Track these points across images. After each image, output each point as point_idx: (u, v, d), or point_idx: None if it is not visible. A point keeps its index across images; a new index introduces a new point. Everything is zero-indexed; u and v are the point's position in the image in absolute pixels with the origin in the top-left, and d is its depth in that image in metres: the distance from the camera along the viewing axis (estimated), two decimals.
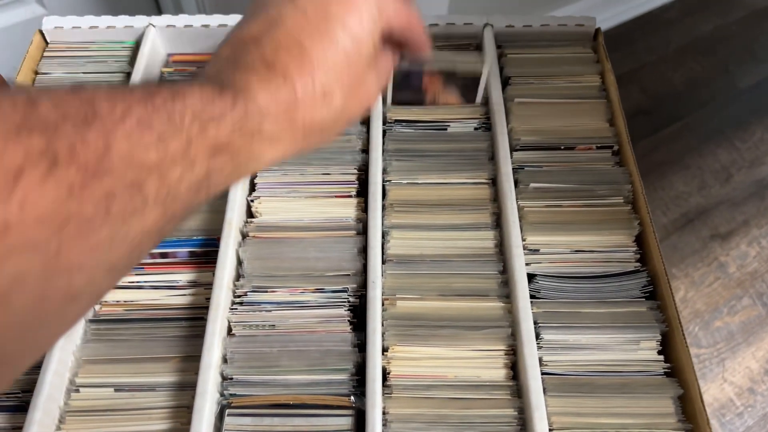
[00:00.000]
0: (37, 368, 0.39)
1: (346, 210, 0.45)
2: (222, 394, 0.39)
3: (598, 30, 0.55)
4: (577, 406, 0.38)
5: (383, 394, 0.38)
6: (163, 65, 0.55)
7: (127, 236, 0.21)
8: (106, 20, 0.55)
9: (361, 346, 0.40)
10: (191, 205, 0.25)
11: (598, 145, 0.48)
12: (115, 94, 0.23)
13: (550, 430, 0.36)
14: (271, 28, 0.30)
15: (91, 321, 0.42)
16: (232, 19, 0.55)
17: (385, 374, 0.39)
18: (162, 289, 0.43)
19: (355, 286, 0.42)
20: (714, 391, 1.06)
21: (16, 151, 0.18)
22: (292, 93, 0.29)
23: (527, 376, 0.38)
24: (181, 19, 0.55)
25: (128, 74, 0.52)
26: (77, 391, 0.39)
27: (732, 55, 1.48)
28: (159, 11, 0.98)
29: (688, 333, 1.09)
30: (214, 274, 0.42)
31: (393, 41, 0.35)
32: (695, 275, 1.17)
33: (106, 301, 0.43)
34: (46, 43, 0.55)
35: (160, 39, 0.55)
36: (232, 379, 0.39)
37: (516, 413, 0.38)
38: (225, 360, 0.39)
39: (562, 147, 0.48)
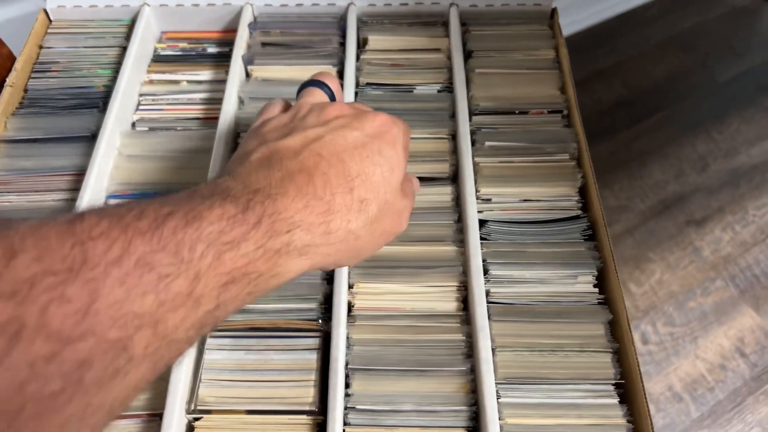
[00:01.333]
0: None
1: None
2: None
3: (554, 9, 0.60)
4: (518, 329, 0.43)
5: (347, 323, 0.43)
6: (157, 41, 0.61)
7: (103, 403, 0.19)
8: (104, 0, 0.60)
9: (329, 281, 0.45)
10: (191, 343, 0.23)
11: (549, 110, 0.53)
12: (114, 227, 0.21)
13: (492, 349, 0.41)
14: (311, 143, 0.31)
15: None
16: (220, 1, 0.60)
17: (350, 307, 0.44)
18: None
19: None
20: (686, 367, 1.10)
21: None
22: (331, 201, 0.29)
23: (474, 304, 0.42)
24: (173, 1, 0.60)
25: (124, 48, 0.57)
26: None
27: (711, 51, 1.53)
28: None
29: (662, 313, 1.14)
30: None
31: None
32: (671, 259, 1.21)
33: None
34: (50, 20, 0.60)
35: (153, 17, 0.60)
36: None
37: (464, 337, 0.42)
38: None
39: (517, 111, 0.53)
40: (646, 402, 0.39)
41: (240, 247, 0.24)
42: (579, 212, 0.48)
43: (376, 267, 0.45)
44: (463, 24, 0.59)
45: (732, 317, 1.15)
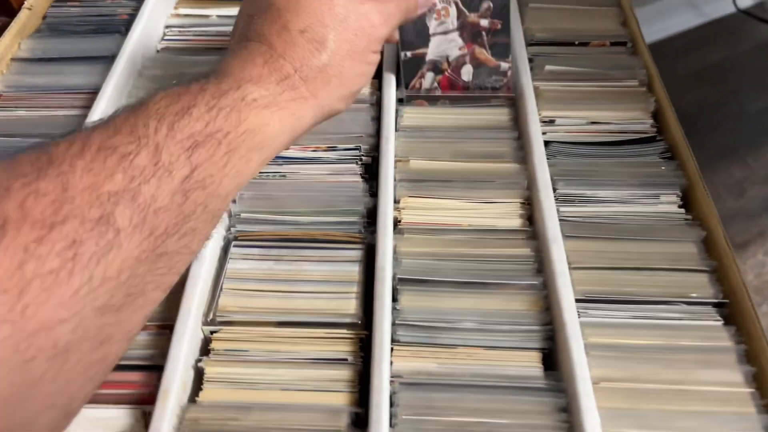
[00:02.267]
0: None
1: None
2: (228, 230, 0.37)
3: None
4: (595, 247, 0.36)
5: (394, 233, 0.36)
6: None
7: (106, 273, 0.21)
8: None
9: (372, 194, 0.39)
10: (190, 212, 0.24)
11: (612, 42, 0.49)
12: (73, 134, 0.23)
13: (569, 266, 0.35)
14: (246, 7, 0.31)
15: None
16: None
17: (396, 223, 0.38)
18: None
19: (367, 147, 0.41)
20: None
21: None
22: (270, 49, 0.28)
23: (544, 218, 0.36)
24: None
25: None
26: None
27: (741, 83, 1.50)
28: None
29: None
30: None
31: None
32: None
33: None
34: None
35: None
36: (239, 216, 0.38)
37: (532, 252, 0.36)
38: (233, 200, 0.38)
39: (577, 43, 0.48)
40: (759, 322, 0.32)
41: (191, 113, 0.24)
42: (655, 134, 0.42)
43: (425, 180, 0.39)
44: None
45: None
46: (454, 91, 0.43)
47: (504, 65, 0.42)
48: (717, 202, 1.23)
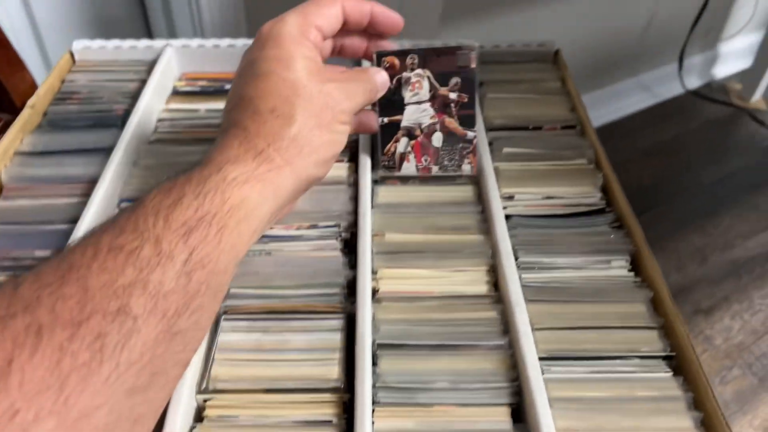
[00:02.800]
0: None
1: (339, 172, 0.50)
2: None
3: (557, 50, 0.63)
4: (555, 309, 0.40)
5: (373, 304, 0.40)
6: (176, 79, 0.63)
7: (130, 358, 0.24)
8: (129, 42, 0.63)
9: (352, 267, 0.42)
10: (195, 291, 0.27)
11: (563, 126, 0.54)
12: (85, 239, 0.26)
13: (532, 328, 0.38)
14: (226, 105, 0.36)
15: None
16: (241, 42, 0.63)
17: (374, 292, 0.41)
18: None
19: (346, 224, 0.45)
20: None
21: (4, 341, 0.22)
22: (244, 132, 0.32)
23: (507, 282, 0.40)
24: (195, 41, 0.63)
25: (145, 81, 0.59)
26: None
27: (694, 157, 1.60)
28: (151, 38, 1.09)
29: None
30: None
31: (360, 32, 0.42)
32: None
33: None
34: (74, 62, 0.62)
35: (175, 57, 0.62)
36: (228, 292, 0.41)
37: (498, 315, 0.40)
38: None
39: (531, 127, 0.54)
40: (703, 372, 0.36)
41: (182, 202, 0.28)
42: (604, 207, 0.47)
43: (400, 252, 0.43)
44: None
45: (755, 406, 1.10)
46: (424, 166, 0.47)
47: (470, 134, 0.47)
48: (681, 270, 1.32)
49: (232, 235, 0.29)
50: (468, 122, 0.47)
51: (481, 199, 0.48)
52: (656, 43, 1.60)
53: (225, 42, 0.63)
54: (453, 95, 0.46)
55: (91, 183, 0.49)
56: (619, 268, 0.43)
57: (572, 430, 0.34)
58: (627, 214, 0.45)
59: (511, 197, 0.47)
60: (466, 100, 0.47)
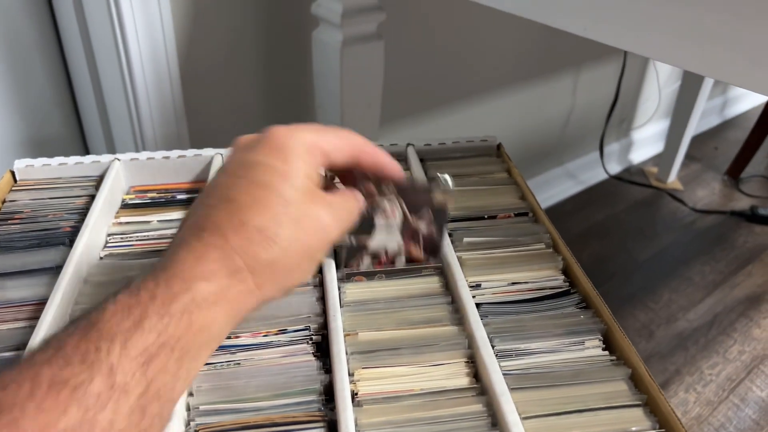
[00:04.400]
0: None
1: None
2: (188, 424, 0.38)
3: (499, 144, 0.66)
4: (538, 396, 0.39)
5: (353, 408, 0.38)
6: (125, 193, 0.61)
7: None
8: (74, 159, 0.61)
9: (327, 371, 0.41)
10: (149, 426, 0.24)
11: (516, 213, 0.56)
12: (21, 370, 0.22)
13: (520, 417, 0.37)
14: (206, 197, 0.32)
15: None
16: (191, 152, 0.63)
17: (354, 395, 0.40)
18: None
19: (316, 326, 0.44)
20: None
21: None
22: (226, 244, 0.29)
23: (489, 372, 0.39)
24: (144, 154, 0.62)
25: (93, 196, 0.57)
26: None
27: (625, 236, 1.68)
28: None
29: None
30: None
31: (359, 174, 0.40)
32: None
33: None
34: (15, 181, 0.60)
35: (123, 171, 0.61)
36: (198, 408, 0.38)
37: (484, 408, 0.39)
38: (191, 393, 0.39)
39: (486, 216, 0.56)
40: None
41: (143, 326, 0.25)
42: (568, 288, 0.48)
43: (375, 351, 0.42)
44: (421, 159, 0.64)
45: None
46: (387, 266, 0.48)
47: (433, 263, 0.48)
48: None
49: (192, 361, 0.27)
50: (433, 252, 0.48)
51: (448, 288, 0.48)
52: (577, 133, 1.71)
53: (174, 153, 0.62)
54: (423, 226, 0.47)
55: (38, 305, 0.46)
56: (593, 348, 0.43)
57: None
58: (591, 293, 0.46)
59: (478, 285, 0.48)
60: (434, 234, 0.47)
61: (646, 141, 1.96)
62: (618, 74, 1.62)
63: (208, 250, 0.29)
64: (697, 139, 2.07)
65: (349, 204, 0.38)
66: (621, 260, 1.59)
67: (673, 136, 1.82)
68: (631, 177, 1.88)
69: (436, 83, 1.27)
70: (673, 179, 1.88)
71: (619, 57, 1.60)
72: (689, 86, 1.71)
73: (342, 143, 0.36)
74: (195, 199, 0.34)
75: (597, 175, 1.82)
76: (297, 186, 0.32)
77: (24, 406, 0.21)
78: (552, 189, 1.73)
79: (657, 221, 1.74)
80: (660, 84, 1.82)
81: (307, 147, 0.33)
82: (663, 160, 1.88)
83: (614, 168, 1.88)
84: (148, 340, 0.25)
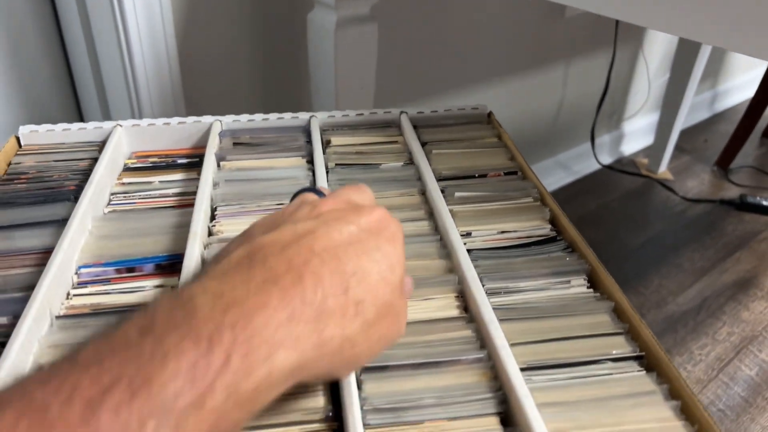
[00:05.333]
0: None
1: None
2: None
3: (490, 112, 0.69)
4: (525, 327, 0.41)
5: None
6: (127, 158, 0.63)
7: None
8: (77, 125, 0.63)
9: None
10: None
11: (505, 172, 0.58)
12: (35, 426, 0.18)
13: (508, 343, 0.39)
14: (301, 238, 0.28)
15: (58, 317, 0.43)
16: (191, 119, 0.65)
17: None
18: (129, 293, 0.45)
19: None
20: None
21: None
22: (322, 300, 0.26)
23: (478, 305, 0.41)
24: (145, 121, 0.64)
25: (96, 159, 0.59)
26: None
27: (617, 224, 1.70)
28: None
29: None
30: (179, 279, 0.45)
31: None
32: None
33: (72, 305, 0.44)
34: (20, 146, 0.62)
35: (125, 137, 0.63)
36: None
37: (473, 333, 0.40)
38: None
39: (476, 175, 0.58)
40: (673, 366, 0.38)
41: (205, 405, 0.20)
42: (555, 235, 0.50)
43: None
44: (414, 127, 0.66)
45: None
46: None
47: None
48: None
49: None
50: None
51: (439, 232, 0.50)
52: (569, 125, 1.74)
53: (175, 120, 0.64)
54: None
55: (45, 253, 0.48)
56: (578, 287, 0.45)
57: (561, 430, 0.34)
58: (578, 239, 0.49)
59: (468, 234, 0.50)
60: None
61: (636, 133, 1.99)
62: (608, 66, 1.65)
63: (306, 309, 0.25)
64: (686, 132, 2.10)
65: (408, 292, 0.36)
66: (613, 248, 1.62)
67: (663, 128, 1.85)
68: (623, 167, 1.91)
69: (428, 70, 1.30)
70: (663, 170, 1.91)
71: (609, 48, 1.63)
72: (678, 79, 1.74)
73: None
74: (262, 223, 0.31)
75: (589, 166, 1.85)
76: (397, 273, 0.31)
77: None
78: (545, 179, 1.76)
79: (648, 210, 1.76)
80: (650, 76, 1.85)
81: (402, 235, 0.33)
82: (653, 151, 1.91)
83: (605, 160, 1.91)
84: (202, 426, 0.21)
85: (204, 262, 0.46)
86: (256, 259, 0.26)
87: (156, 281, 0.46)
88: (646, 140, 2.00)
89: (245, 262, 0.26)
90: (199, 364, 0.21)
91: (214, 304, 0.23)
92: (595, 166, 1.85)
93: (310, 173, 0.57)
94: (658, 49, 1.83)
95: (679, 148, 1.96)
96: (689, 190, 1.84)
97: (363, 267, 0.28)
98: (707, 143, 2.09)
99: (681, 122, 1.82)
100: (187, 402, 0.20)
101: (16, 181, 0.57)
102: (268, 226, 0.30)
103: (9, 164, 0.59)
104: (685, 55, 1.70)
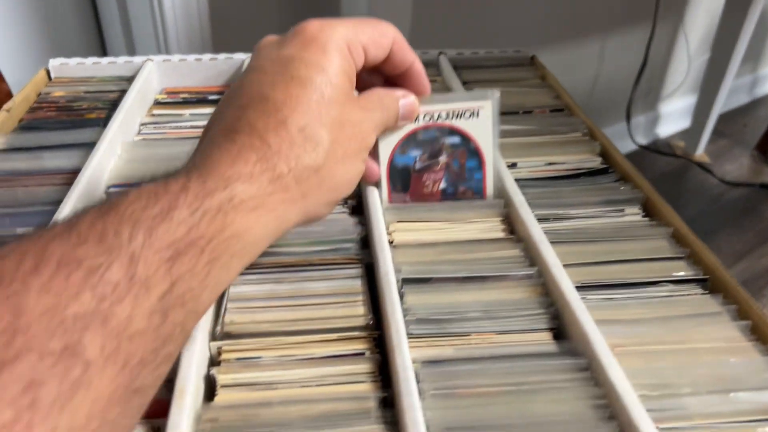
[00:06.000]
0: None
1: None
2: None
3: (533, 56, 0.65)
4: (578, 250, 0.39)
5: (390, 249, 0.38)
6: (157, 93, 0.61)
7: (73, 423, 0.17)
8: (108, 58, 0.62)
9: (362, 223, 0.40)
10: (168, 335, 0.20)
11: (551, 110, 0.55)
12: (27, 242, 0.19)
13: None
14: (234, 97, 0.28)
15: None
16: (222, 56, 0.63)
17: (390, 243, 0.39)
18: None
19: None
20: None
21: None
22: (264, 145, 0.26)
23: (527, 227, 0.39)
24: (176, 57, 0.62)
25: (125, 91, 0.57)
26: None
27: None
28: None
29: None
30: None
31: (388, 80, 0.35)
32: None
33: None
34: (50, 78, 0.61)
35: (156, 72, 0.62)
36: None
37: (521, 253, 0.38)
38: None
39: (521, 112, 0.55)
40: (742, 289, 0.35)
41: (172, 216, 0.21)
42: (606, 167, 0.47)
43: (410, 209, 0.41)
44: (454, 67, 0.63)
45: None
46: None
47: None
48: None
49: (221, 270, 0.23)
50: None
51: None
52: (604, 103, 1.69)
53: (206, 56, 0.63)
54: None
55: (74, 173, 0.46)
56: (633, 215, 0.42)
57: (620, 347, 0.31)
58: (631, 171, 0.46)
59: (514, 165, 0.47)
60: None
61: (672, 115, 1.93)
62: (646, 41, 1.60)
63: (246, 152, 0.25)
64: (725, 116, 2.03)
65: (386, 104, 0.34)
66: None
67: (701, 110, 1.79)
68: (658, 147, 1.86)
69: (461, 32, 1.26)
70: (700, 153, 1.85)
71: (648, 23, 1.58)
72: (718, 59, 1.68)
73: (380, 39, 0.32)
74: (220, 101, 0.30)
75: (624, 147, 1.79)
76: (336, 84, 0.29)
77: (27, 282, 0.17)
78: None
79: (685, 192, 1.71)
80: (690, 54, 1.79)
81: (346, 42, 0.30)
82: (690, 134, 1.85)
83: (640, 141, 1.85)
84: (177, 234, 0.21)
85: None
86: (202, 138, 0.29)
87: None
88: (683, 123, 1.94)
89: (196, 147, 0.28)
90: (158, 189, 0.23)
91: (182, 167, 0.26)
92: (631, 147, 1.80)
93: None
94: (699, 26, 1.76)
95: (717, 132, 1.89)
96: (727, 174, 1.78)
97: (292, 93, 0.27)
98: (746, 128, 2.02)
99: (720, 105, 1.76)
100: (153, 212, 0.22)
101: (45, 109, 0.56)
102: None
103: (39, 94, 0.58)
104: (726, 34, 1.63)
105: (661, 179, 1.74)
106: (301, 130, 0.27)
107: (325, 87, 0.28)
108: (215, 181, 0.24)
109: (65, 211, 0.40)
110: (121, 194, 0.22)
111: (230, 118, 0.27)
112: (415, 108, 0.37)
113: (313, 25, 0.30)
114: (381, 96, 0.34)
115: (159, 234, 0.20)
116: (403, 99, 0.36)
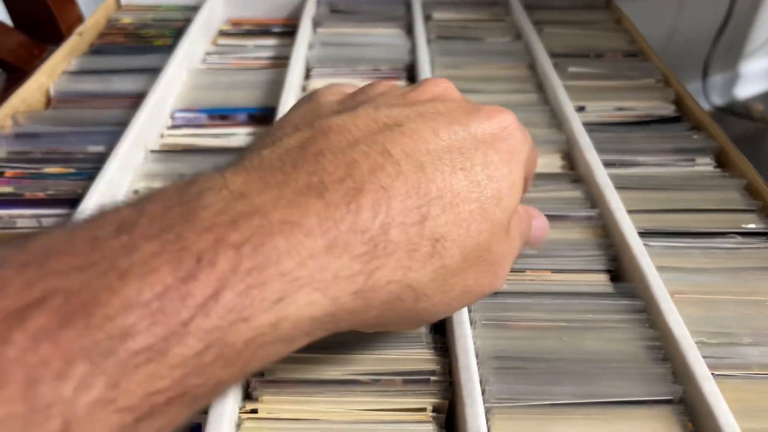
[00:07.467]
0: None
1: None
2: None
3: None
4: (644, 196, 0.37)
5: None
6: (221, 23, 0.62)
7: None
8: None
9: None
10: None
11: (624, 54, 0.53)
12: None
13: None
14: (378, 131, 0.19)
15: (152, 152, 0.42)
16: None
17: None
18: (222, 137, 0.44)
19: None
20: None
21: None
22: (381, 228, 0.17)
23: (591, 168, 0.37)
24: None
25: (190, 19, 0.58)
26: None
27: None
28: None
29: None
30: None
31: None
32: None
33: (166, 143, 0.44)
34: (119, 5, 0.62)
35: (220, 2, 0.62)
36: None
37: (582, 195, 0.37)
38: None
39: (592, 55, 0.52)
40: None
41: (168, 353, 0.14)
42: (680, 116, 0.45)
43: None
44: (526, 7, 0.61)
45: None
46: None
47: None
48: None
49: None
50: None
51: (548, 104, 0.46)
52: (679, 58, 1.60)
53: None
54: None
55: (140, 98, 0.47)
56: (705, 165, 0.40)
57: (680, 294, 0.30)
58: (706, 120, 0.43)
59: (582, 108, 0.45)
60: None
61: (753, 76, 1.82)
62: None
63: (354, 237, 0.17)
64: None
65: (536, 233, 0.27)
66: None
67: None
68: (735, 109, 1.76)
69: None
70: None
71: None
72: None
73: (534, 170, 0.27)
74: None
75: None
76: (506, 206, 0.21)
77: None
78: None
79: (761, 158, 1.62)
80: None
81: (528, 149, 0.24)
82: None
83: (715, 102, 1.76)
84: (158, 385, 0.14)
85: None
86: (308, 151, 0.18)
87: (248, 129, 0.45)
88: (764, 84, 1.83)
89: (294, 153, 0.18)
90: (170, 292, 0.14)
91: (225, 209, 0.16)
92: (705, 107, 1.71)
93: (410, 43, 0.54)
94: None
95: None
96: None
97: (455, 188, 0.19)
98: None
99: None
100: (140, 346, 0.13)
101: (114, 34, 0.57)
102: (340, 104, 0.22)
103: (108, 20, 0.59)
104: None
105: (738, 143, 1.65)
106: (436, 240, 0.19)
107: (493, 205, 0.20)
108: (272, 285, 0.16)
109: (133, 130, 0.41)
110: (114, 274, 0.14)
111: (362, 155, 0.18)
112: (546, 233, 0.28)
113: (515, 130, 0.23)
114: (536, 228, 0.27)
115: (129, 387, 0.14)
116: (536, 220, 0.27)
